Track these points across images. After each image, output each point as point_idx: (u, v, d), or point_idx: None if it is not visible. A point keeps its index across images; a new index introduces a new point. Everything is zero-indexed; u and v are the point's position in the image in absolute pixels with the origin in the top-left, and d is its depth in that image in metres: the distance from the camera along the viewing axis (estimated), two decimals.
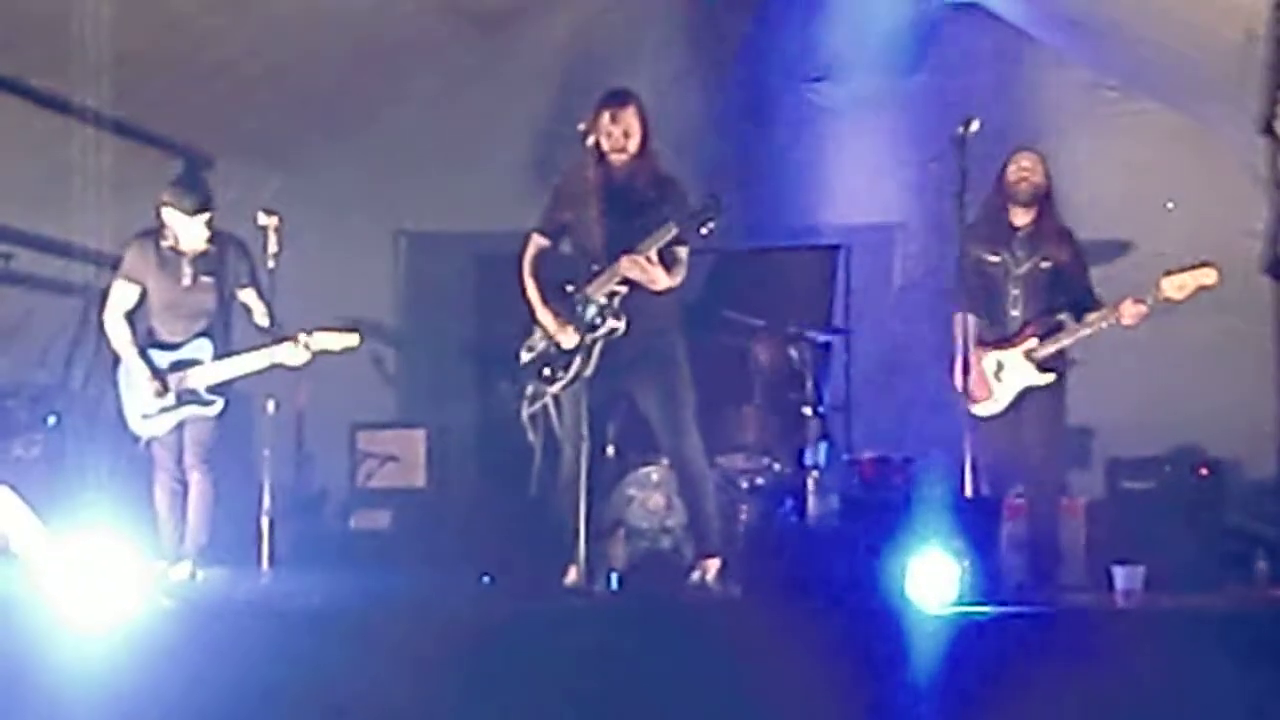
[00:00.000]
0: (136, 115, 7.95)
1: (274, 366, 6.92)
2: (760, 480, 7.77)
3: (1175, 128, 8.57)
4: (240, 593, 6.46)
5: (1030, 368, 6.97)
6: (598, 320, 6.38)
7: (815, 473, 7.64)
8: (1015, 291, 7.06)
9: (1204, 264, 6.77)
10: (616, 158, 6.42)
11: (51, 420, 7.67)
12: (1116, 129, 8.68)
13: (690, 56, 9.06)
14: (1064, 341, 6.97)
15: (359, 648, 4.99)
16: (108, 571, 5.56)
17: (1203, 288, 6.78)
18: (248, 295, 7.02)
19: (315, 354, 6.91)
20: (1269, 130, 6.66)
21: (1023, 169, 7.04)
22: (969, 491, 6.59)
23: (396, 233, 9.46)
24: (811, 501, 7.57)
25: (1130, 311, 6.81)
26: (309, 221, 8.27)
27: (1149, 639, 4.95)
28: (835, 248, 9.13)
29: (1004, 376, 7.02)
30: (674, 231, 6.30)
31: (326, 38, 8.24)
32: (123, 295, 7.01)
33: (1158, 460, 8.01)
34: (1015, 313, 7.05)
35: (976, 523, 5.83)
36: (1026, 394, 6.98)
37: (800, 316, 8.20)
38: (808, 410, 7.73)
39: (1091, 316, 6.92)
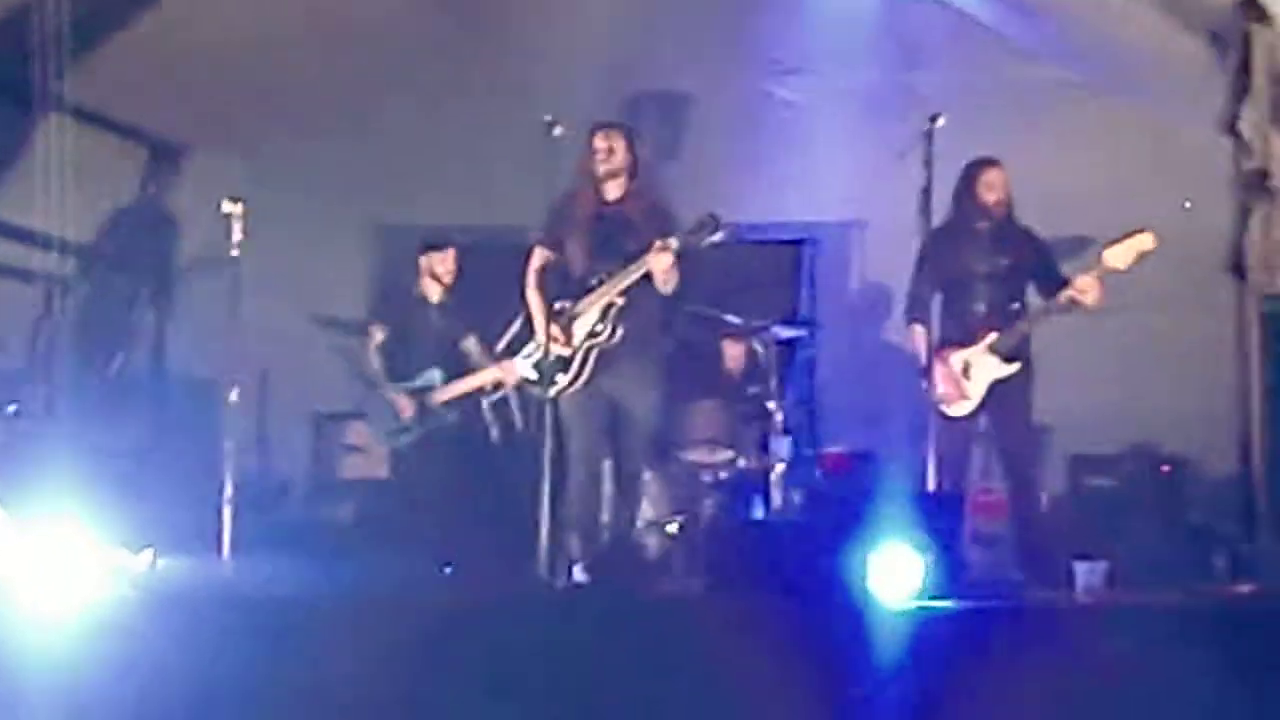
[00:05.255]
0: (103, 101, 7.89)
1: (487, 384, 7.91)
2: (724, 474, 7.76)
3: (1139, 126, 8.58)
4: (201, 581, 6.43)
5: (995, 360, 7.01)
6: (598, 328, 6.65)
7: (779, 467, 7.64)
8: (980, 288, 7.12)
9: (1140, 230, 6.85)
10: (610, 184, 6.76)
11: (12, 408, 7.63)
12: (1079, 126, 8.70)
13: (661, 51, 9.04)
14: (1023, 328, 7.02)
15: (320, 636, 4.99)
16: (69, 559, 5.54)
17: (1143, 253, 6.85)
18: (469, 343, 8.00)
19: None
20: (1233, 130, 6.74)
21: (994, 188, 7.09)
22: (932, 486, 6.63)
23: (371, 225, 9.42)
24: (775, 496, 7.58)
25: (1082, 284, 6.86)
26: (281, 212, 8.25)
27: (1109, 633, 4.98)
28: (801, 242, 9.14)
29: (973, 374, 7.05)
30: (675, 245, 6.52)
31: (299, 25, 8.19)
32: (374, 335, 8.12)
33: (1119, 457, 8.05)
34: (979, 308, 7.10)
35: (940, 517, 5.85)
36: (996, 388, 7.02)
37: (766, 311, 8.21)
38: (772, 405, 7.73)
39: (1046, 300, 6.99)
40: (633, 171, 6.79)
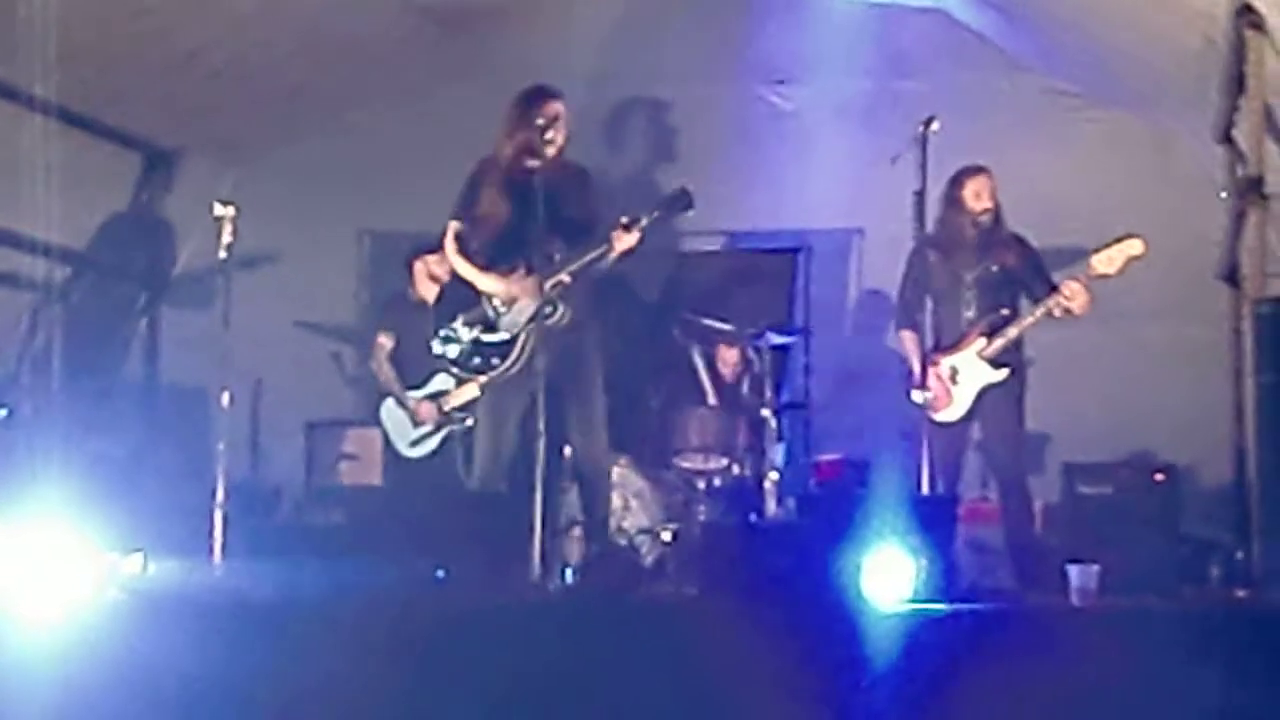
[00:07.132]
0: (94, 107, 7.87)
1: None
2: (718, 481, 7.76)
3: (1132, 134, 8.61)
4: (192, 584, 6.41)
5: (984, 366, 7.02)
6: (549, 309, 6.34)
7: (773, 474, 7.63)
8: (969, 295, 7.13)
9: (1129, 236, 6.88)
10: (549, 151, 6.46)
11: (3, 413, 7.61)
12: (1073, 135, 8.72)
13: (653, 59, 9.04)
14: (1011, 334, 7.04)
15: (311, 640, 4.97)
16: (60, 563, 5.51)
17: (1132, 258, 6.90)
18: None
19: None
20: (1227, 138, 6.72)
21: (980, 196, 7.11)
22: (925, 490, 6.63)
23: (359, 232, 9.43)
24: (769, 502, 7.57)
25: (1070, 289, 6.89)
26: (271, 219, 8.24)
27: (1103, 637, 4.97)
28: (795, 250, 9.14)
29: (960, 379, 7.07)
30: (656, 215, 6.35)
31: (290, 32, 8.19)
32: (383, 344, 8.21)
33: (1114, 465, 8.02)
34: (970, 314, 7.12)
35: (933, 521, 5.84)
36: (985, 394, 7.03)
37: (760, 319, 8.21)
38: (766, 412, 7.72)
39: (1036, 306, 7.01)
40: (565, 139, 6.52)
